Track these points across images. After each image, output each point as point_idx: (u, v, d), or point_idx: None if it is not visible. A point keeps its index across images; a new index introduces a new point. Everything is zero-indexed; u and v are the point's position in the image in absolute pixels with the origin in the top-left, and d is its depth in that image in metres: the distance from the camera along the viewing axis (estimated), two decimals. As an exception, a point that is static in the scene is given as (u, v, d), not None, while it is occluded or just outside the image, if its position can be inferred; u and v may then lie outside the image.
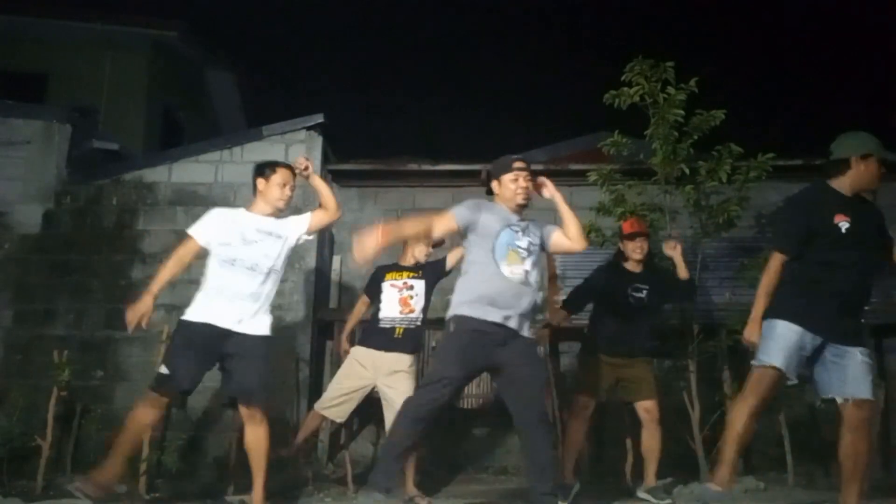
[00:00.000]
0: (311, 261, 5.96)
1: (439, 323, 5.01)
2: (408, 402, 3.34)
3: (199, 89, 10.76)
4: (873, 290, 3.37)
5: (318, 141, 6.24)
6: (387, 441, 3.35)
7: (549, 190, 3.52)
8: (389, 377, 4.30)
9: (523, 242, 3.38)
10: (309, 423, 4.63)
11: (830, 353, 3.22)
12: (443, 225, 3.43)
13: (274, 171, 3.71)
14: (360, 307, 4.73)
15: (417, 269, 4.49)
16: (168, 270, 3.58)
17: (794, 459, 4.93)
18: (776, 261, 3.32)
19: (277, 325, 3.70)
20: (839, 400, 3.19)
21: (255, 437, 3.51)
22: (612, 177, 5.36)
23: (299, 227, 3.77)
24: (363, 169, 6.57)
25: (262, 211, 3.71)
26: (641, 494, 4.35)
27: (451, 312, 3.36)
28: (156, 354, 4.55)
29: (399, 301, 4.41)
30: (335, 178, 6.32)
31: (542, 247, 3.50)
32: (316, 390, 5.54)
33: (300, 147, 6.11)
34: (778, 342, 3.19)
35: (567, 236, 3.47)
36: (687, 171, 5.12)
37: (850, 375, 3.17)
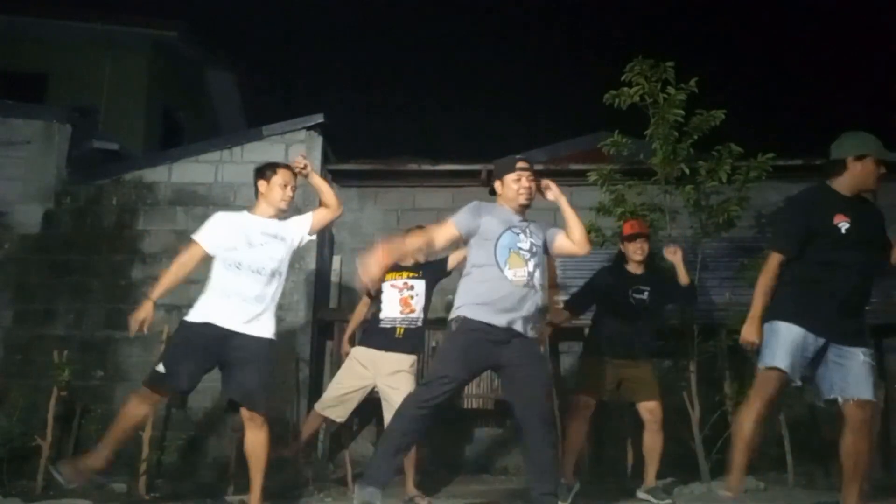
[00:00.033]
0: (311, 261, 5.96)
1: (440, 323, 5.04)
2: (408, 399, 3.35)
3: (199, 89, 10.76)
4: (873, 290, 3.37)
5: (318, 141, 6.25)
6: (384, 436, 3.35)
7: (554, 193, 3.50)
8: (390, 377, 4.30)
9: (525, 244, 3.38)
10: (310, 423, 4.63)
11: (833, 353, 3.21)
12: (444, 235, 3.43)
13: (274, 173, 3.71)
14: (362, 308, 4.73)
15: (418, 269, 4.49)
16: (171, 276, 3.57)
17: (794, 459, 4.93)
18: (774, 260, 3.31)
19: (277, 326, 3.69)
20: (840, 400, 3.19)
21: (255, 441, 3.50)
22: (612, 177, 5.36)
23: (302, 228, 3.76)
24: (363, 169, 6.57)
25: (264, 213, 3.70)
26: (641, 495, 4.36)
27: (453, 313, 3.36)
28: (156, 355, 4.54)
29: (399, 301, 4.41)
30: (335, 178, 6.32)
31: (546, 249, 3.49)
32: (316, 390, 5.55)
33: (300, 147, 6.11)
34: (780, 344, 3.18)
35: (571, 240, 3.46)
36: (687, 171, 5.12)
37: (852, 376, 3.17)
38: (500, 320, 3.25)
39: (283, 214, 3.74)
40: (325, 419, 4.54)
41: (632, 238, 4.51)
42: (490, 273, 3.31)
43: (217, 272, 3.59)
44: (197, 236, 3.64)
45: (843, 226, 3.20)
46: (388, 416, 4.14)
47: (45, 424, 4.55)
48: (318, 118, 6.20)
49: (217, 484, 4.87)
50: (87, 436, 5.25)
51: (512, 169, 3.47)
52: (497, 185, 3.53)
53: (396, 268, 4.55)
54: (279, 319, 3.68)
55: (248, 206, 3.80)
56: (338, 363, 4.88)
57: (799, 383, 3.24)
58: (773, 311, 3.27)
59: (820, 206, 3.28)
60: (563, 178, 5.48)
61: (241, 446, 3.65)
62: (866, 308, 3.35)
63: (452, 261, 4.48)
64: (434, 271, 4.52)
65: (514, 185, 3.45)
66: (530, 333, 3.34)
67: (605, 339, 4.44)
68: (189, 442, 5.48)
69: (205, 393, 5.20)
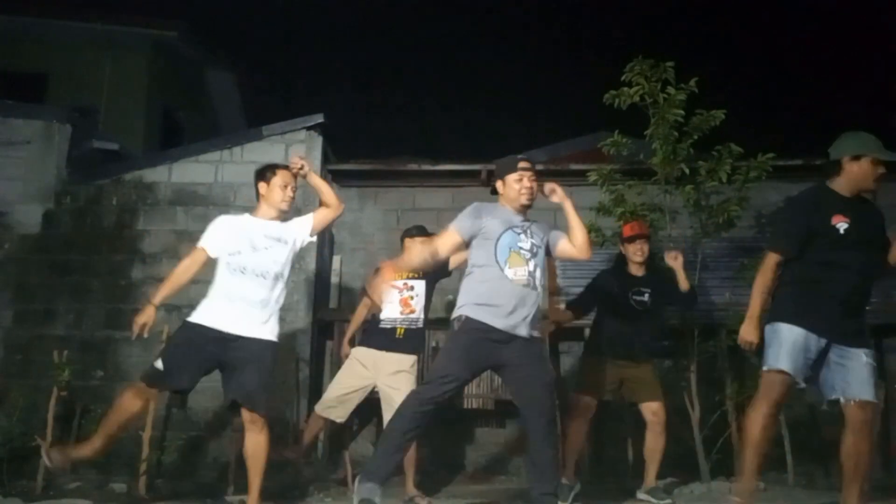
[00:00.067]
0: (311, 261, 5.96)
1: (440, 323, 5.04)
2: (409, 398, 3.35)
3: (199, 89, 10.76)
4: (873, 290, 3.36)
5: (318, 141, 6.24)
6: (384, 435, 3.36)
7: (560, 196, 3.48)
8: (391, 377, 4.30)
9: (526, 244, 3.37)
10: (312, 426, 4.62)
11: (835, 354, 3.21)
12: (447, 243, 3.45)
13: (274, 174, 3.70)
14: (362, 310, 4.72)
15: (418, 270, 4.48)
16: (174, 281, 3.55)
17: (794, 459, 4.93)
18: (770, 260, 3.31)
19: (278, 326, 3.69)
20: (842, 401, 3.18)
21: (255, 443, 3.49)
22: (612, 177, 5.35)
23: (303, 230, 3.75)
24: (363, 169, 6.57)
25: (266, 215, 3.69)
26: (641, 496, 4.35)
27: (455, 313, 3.36)
28: (156, 355, 4.55)
29: (400, 301, 4.41)
30: (335, 178, 6.32)
31: (548, 250, 3.49)
32: (316, 390, 5.55)
33: (300, 147, 6.12)
34: (783, 345, 3.17)
35: (573, 244, 3.46)
36: (687, 171, 5.12)
37: (853, 377, 3.16)
38: (500, 320, 3.25)
39: (284, 215, 3.73)
40: (326, 420, 4.54)
41: (632, 239, 4.51)
42: (491, 273, 3.31)
43: (221, 277, 3.57)
44: (202, 242, 3.63)
45: (842, 226, 3.20)
46: (387, 416, 4.14)
47: (45, 424, 4.55)
48: (318, 118, 6.20)
49: (217, 484, 4.87)
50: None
51: (514, 169, 3.46)
52: (499, 184, 3.52)
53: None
54: (279, 319, 3.67)
55: (249, 207, 3.80)
56: (338, 363, 4.88)
57: (803, 385, 3.23)
58: (774, 313, 3.27)
59: (818, 207, 3.27)
60: (563, 178, 5.45)
61: (241, 447, 3.65)
62: (867, 308, 3.35)
63: (453, 261, 4.47)
64: (434, 272, 4.51)
65: (515, 185, 3.44)
66: (532, 333, 3.34)
67: (606, 340, 4.44)
68: (189, 442, 5.48)
69: (205, 393, 5.19)
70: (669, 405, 4.44)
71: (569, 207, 3.47)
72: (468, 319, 3.28)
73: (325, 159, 6.34)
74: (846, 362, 3.19)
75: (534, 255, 3.37)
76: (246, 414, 3.49)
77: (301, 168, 3.75)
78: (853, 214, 3.22)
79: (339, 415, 4.45)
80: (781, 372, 3.17)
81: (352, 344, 4.67)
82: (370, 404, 4.52)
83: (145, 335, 3.47)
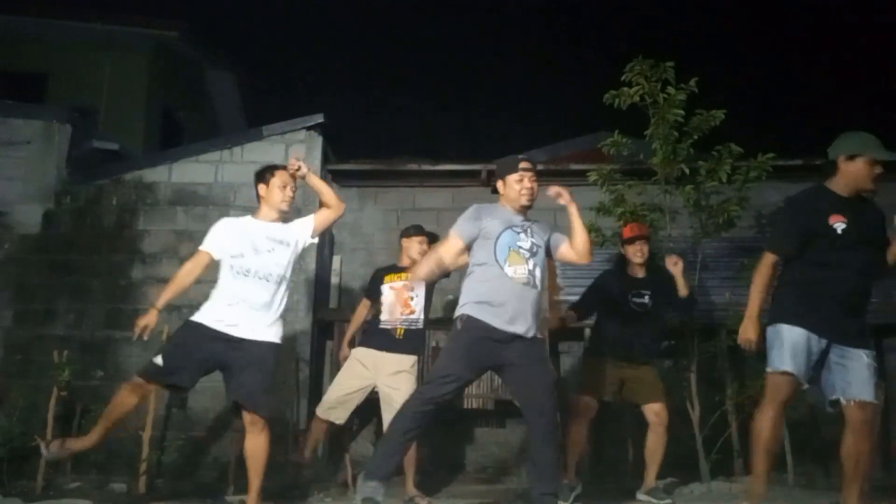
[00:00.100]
0: (311, 261, 5.95)
1: (440, 323, 5.04)
2: (411, 398, 3.36)
3: (199, 89, 10.76)
4: (873, 290, 3.36)
5: (318, 141, 6.24)
6: (385, 435, 3.36)
7: (565, 199, 3.44)
8: (391, 377, 4.30)
9: (526, 243, 3.37)
10: (314, 430, 4.61)
11: (835, 354, 3.21)
12: (450, 249, 3.44)
13: (272, 175, 3.69)
14: (362, 311, 4.73)
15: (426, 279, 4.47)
16: (176, 284, 3.54)
17: (794, 459, 4.93)
18: (767, 260, 3.31)
19: (277, 326, 3.69)
20: (842, 401, 3.18)
21: (256, 445, 3.49)
22: (612, 177, 5.35)
23: (305, 231, 3.74)
24: (363, 169, 6.57)
25: (267, 217, 3.68)
26: (641, 497, 4.35)
27: (457, 312, 3.37)
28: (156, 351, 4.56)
29: (399, 302, 4.40)
30: (335, 178, 6.32)
31: (548, 251, 3.49)
32: (316, 390, 5.55)
33: (300, 147, 6.12)
34: (785, 347, 3.17)
35: (574, 249, 3.45)
36: (687, 171, 5.12)
37: (853, 377, 3.16)
38: (501, 320, 3.25)
39: (285, 216, 3.73)
40: (328, 423, 4.52)
41: (631, 241, 4.51)
42: (491, 272, 3.32)
43: (225, 279, 3.56)
44: (205, 246, 3.62)
45: (840, 226, 3.19)
46: (387, 416, 4.14)
47: (45, 424, 4.56)
48: (318, 118, 6.20)
49: (217, 484, 4.87)
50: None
51: (514, 169, 3.45)
52: (499, 184, 3.52)
53: (395, 269, 4.56)
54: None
55: (249, 207, 3.80)
56: (338, 364, 4.88)
57: (806, 385, 3.23)
58: (775, 314, 3.27)
59: (816, 207, 3.26)
60: (563, 178, 5.50)
61: (241, 447, 3.64)
62: (867, 308, 3.34)
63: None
64: (434, 272, 4.51)
65: (516, 185, 3.44)
66: (533, 333, 3.33)
67: (606, 341, 4.44)
68: (189, 442, 5.47)
69: (205, 393, 5.20)
70: (670, 405, 4.44)
71: (573, 211, 3.44)
72: (470, 318, 3.28)
73: (325, 159, 6.33)
74: (846, 362, 3.19)
75: (533, 254, 3.37)
76: (247, 415, 3.49)
77: (298, 169, 3.74)
78: (851, 214, 3.21)
79: (339, 416, 4.45)
80: (786, 373, 3.16)
81: (351, 345, 4.67)
82: (370, 405, 4.52)
83: (146, 338, 3.47)
